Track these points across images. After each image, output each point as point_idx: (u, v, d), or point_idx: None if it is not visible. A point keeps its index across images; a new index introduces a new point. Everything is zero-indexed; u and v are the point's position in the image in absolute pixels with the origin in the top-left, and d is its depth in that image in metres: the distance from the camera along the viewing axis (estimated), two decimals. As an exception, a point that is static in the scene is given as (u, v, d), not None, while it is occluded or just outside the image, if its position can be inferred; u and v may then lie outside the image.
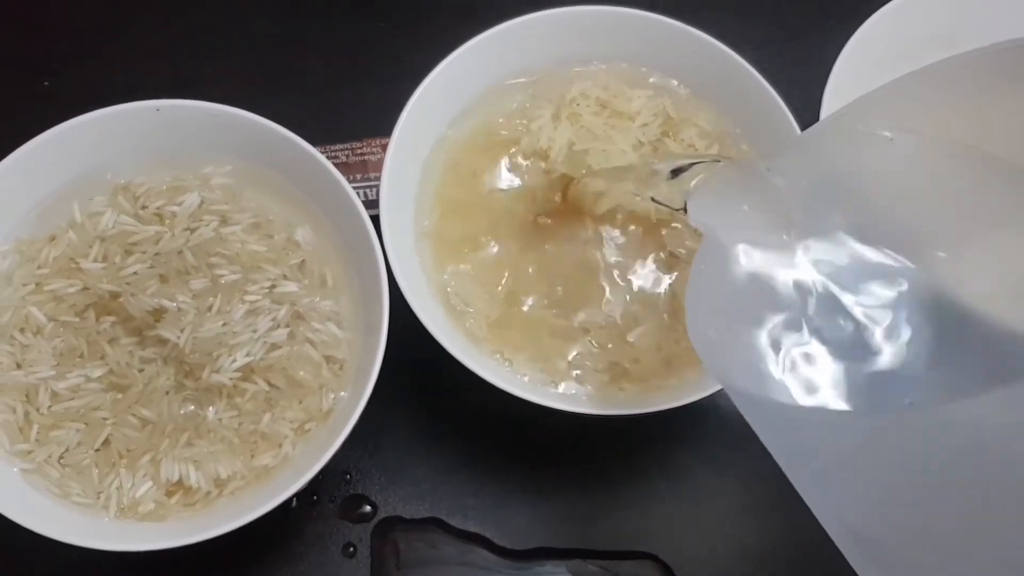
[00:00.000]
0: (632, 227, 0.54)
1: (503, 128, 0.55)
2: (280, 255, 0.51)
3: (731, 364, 0.41)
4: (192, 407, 0.49)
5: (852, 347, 0.41)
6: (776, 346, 0.41)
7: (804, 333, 0.41)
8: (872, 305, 0.41)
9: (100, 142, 0.52)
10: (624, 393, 0.52)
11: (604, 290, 0.53)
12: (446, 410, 0.57)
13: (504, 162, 0.55)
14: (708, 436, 0.58)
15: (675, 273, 0.53)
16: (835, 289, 0.42)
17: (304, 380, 0.49)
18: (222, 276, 0.50)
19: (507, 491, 0.56)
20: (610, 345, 0.52)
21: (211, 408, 0.49)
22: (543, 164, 0.54)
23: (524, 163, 0.54)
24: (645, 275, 0.53)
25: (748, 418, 0.40)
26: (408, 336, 0.48)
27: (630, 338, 0.52)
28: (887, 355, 0.40)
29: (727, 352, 0.41)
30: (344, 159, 0.60)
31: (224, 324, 0.49)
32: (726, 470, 0.57)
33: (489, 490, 0.56)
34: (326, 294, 0.51)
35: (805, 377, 0.40)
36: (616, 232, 0.54)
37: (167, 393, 0.49)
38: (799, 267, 0.42)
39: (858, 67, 0.55)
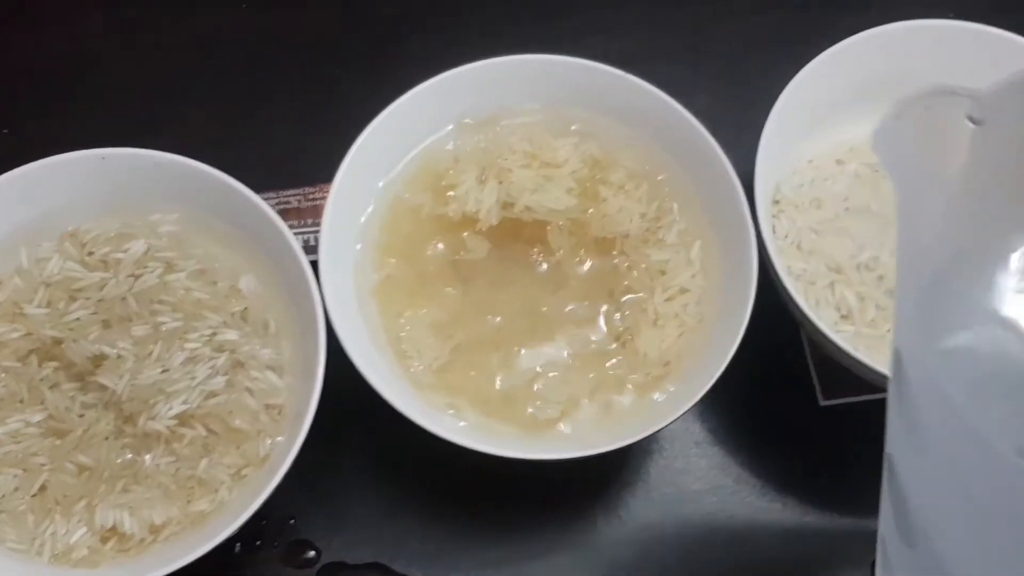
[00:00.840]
0: (580, 266, 0.54)
1: (444, 176, 0.56)
2: (223, 302, 0.52)
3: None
4: (130, 454, 0.49)
5: None
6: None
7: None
8: None
9: (49, 189, 0.53)
10: (564, 437, 0.52)
11: (551, 333, 0.53)
12: (391, 454, 0.57)
13: (448, 208, 0.55)
14: (652, 478, 0.58)
15: (620, 313, 0.53)
16: None
17: (241, 428, 0.49)
18: (164, 323, 0.51)
19: (451, 535, 0.56)
20: (553, 388, 0.52)
21: (149, 454, 0.49)
22: (476, 224, 0.55)
23: (461, 217, 0.55)
24: (590, 316, 0.54)
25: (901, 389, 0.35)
26: (355, 380, 0.48)
27: (573, 382, 0.52)
28: None
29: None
30: (297, 204, 0.61)
31: (163, 371, 0.50)
32: (669, 511, 0.57)
33: (433, 534, 0.56)
34: (267, 341, 0.52)
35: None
36: (565, 272, 0.54)
37: (106, 439, 0.49)
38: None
39: (794, 113, 0.56)
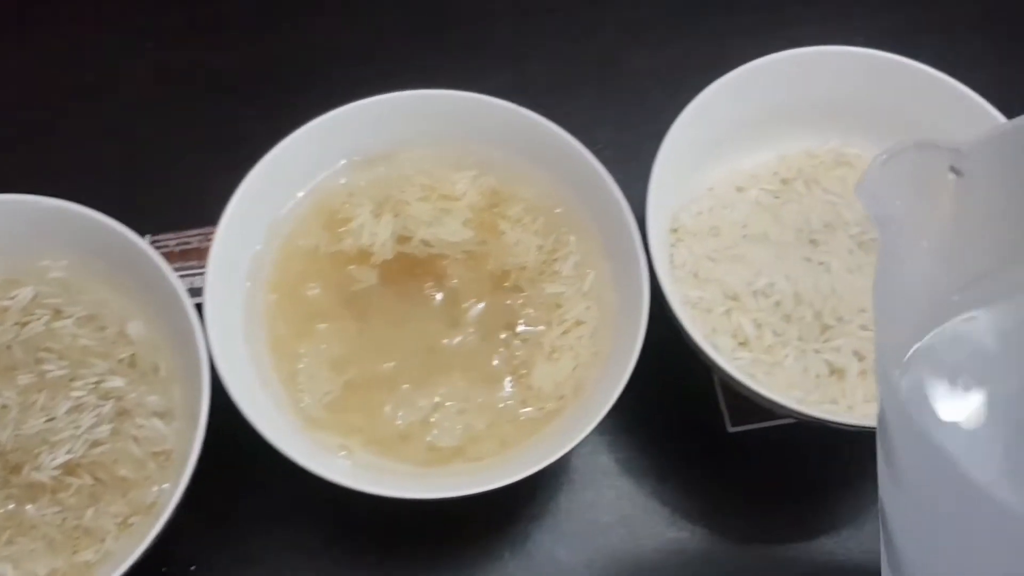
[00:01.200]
0: (476, 301, 0.54)
1: (339, 211, 0.56)
2: (110, 348, 0.51)
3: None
4: (13, 504, 0.49)
5: None
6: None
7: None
8: None
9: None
10: (461, 474, 0.51)
11: (447, 369, 0.53)
12: (291, 497, 0.56)
13: (343, 243, 0.55)
14: (560, 511, 0.58)
15: (516, 347, 0.53)
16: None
17: (126, 476, 0.49)
18: (49, 371, 0.51)
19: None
20: (450, 424, 0.52)
21: (34, 505, 0.49)
22: (371, 258, 0.54)
23: (356, 252, 0.55)
24: (486, 351, 0.53)
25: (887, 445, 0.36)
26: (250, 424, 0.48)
27: (470, 417, 0.52)
28: None
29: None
30: (198, 245, 0.61)
31: (47, 420, 0.49)
32: (578, 544, 0.57)
33: (337, 576, 0.56)
34: (155, 388, 0.51)
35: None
36: (462, 310, 0.54)
37: (-10, 491, 0.48)
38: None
39: (688, 143, 0.56)
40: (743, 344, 0.55)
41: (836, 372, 0.54)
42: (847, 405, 0.54)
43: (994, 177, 0.37)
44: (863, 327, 0.55)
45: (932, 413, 0.35)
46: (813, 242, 0.57)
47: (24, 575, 0.47)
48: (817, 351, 0.54)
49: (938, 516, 0.34)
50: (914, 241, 0.36)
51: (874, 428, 0.47)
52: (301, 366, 0.53)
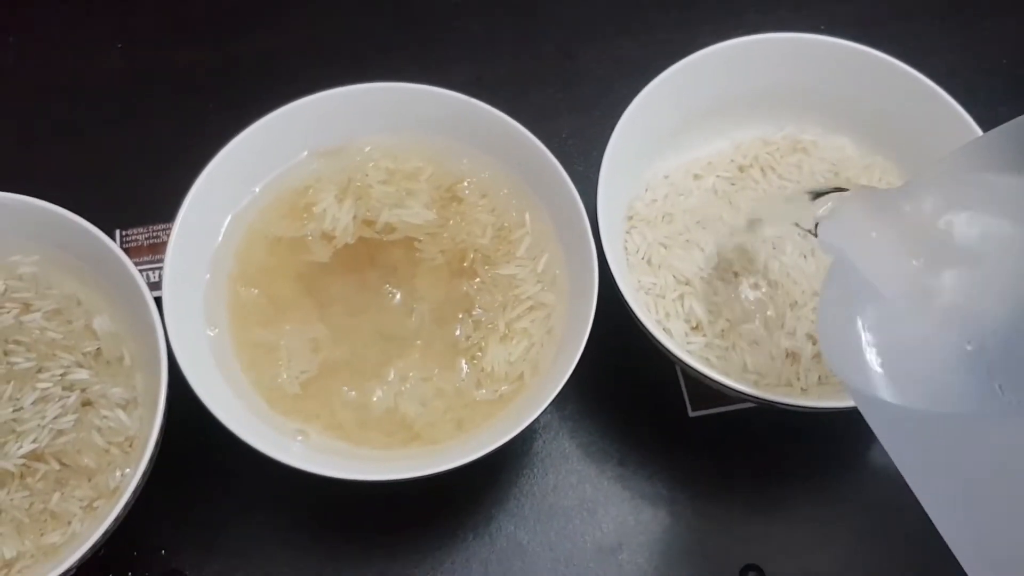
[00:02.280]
0: (434, 285, 0.55)
1: (302, 196, 0.57)
2: (77, 342, 0.53)
3: (848, 367, 0.44)
4: (-15, 487, 0.50)
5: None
6: (882, 346, 0.44)
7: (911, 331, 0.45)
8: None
9: None
10: (418, 456, 0.52)
11: (405, 353, 0.54)
12: (258, 481, 0.58)
13: (306, 228, 0.56)
14: (523, 495, 0.59)
15: (471, 329, 0.54)
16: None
17: (88, 465, 0.50)
18: (17, 363, 0.52)
19: (322, 558, 0.57)
20: (403, 408, 0.53)
21: (3, 490, 0.50)
22: (332, 242, 0.56)
23: (319, 237, 0.56)
24: (443, 337, 0.54)
25: (871, 424, 0.43)
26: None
27: (427, 400, 0.53)
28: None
29: (846, 358, 0.45)
30: (165, 238, 0.62)
31: (15, 411, 0.51)
32: (540, 528, 0.58)
33: (304, 563, 0.57)
34: (119, 380, 0.53)
35: (909, 375, 0.44)
36: (420, 295, 0.55)
37: (-40, 477, 0.50)
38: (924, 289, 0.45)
39: (640, 132, 0.57)
40: (696, 329, 0.56)
41: (791, 355, 0.55)
42: (801, 387, 0.55)
43: (924, 200, 0.45)
44: (816, 310, 0.55)
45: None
46: (766, 227, 0.58)
47: (-7, 557, 0.49)
48: (771, 335, 0.55)
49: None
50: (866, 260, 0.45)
51: (828, 409, 0.50)
52: (261, 354, 0.54)
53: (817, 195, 0.50)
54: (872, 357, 0.44)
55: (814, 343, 0.55)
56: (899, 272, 0.45)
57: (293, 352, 0.54)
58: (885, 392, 0.43)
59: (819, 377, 0.55)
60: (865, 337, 0.44)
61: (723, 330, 0.55)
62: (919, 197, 0.46)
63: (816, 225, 0.49)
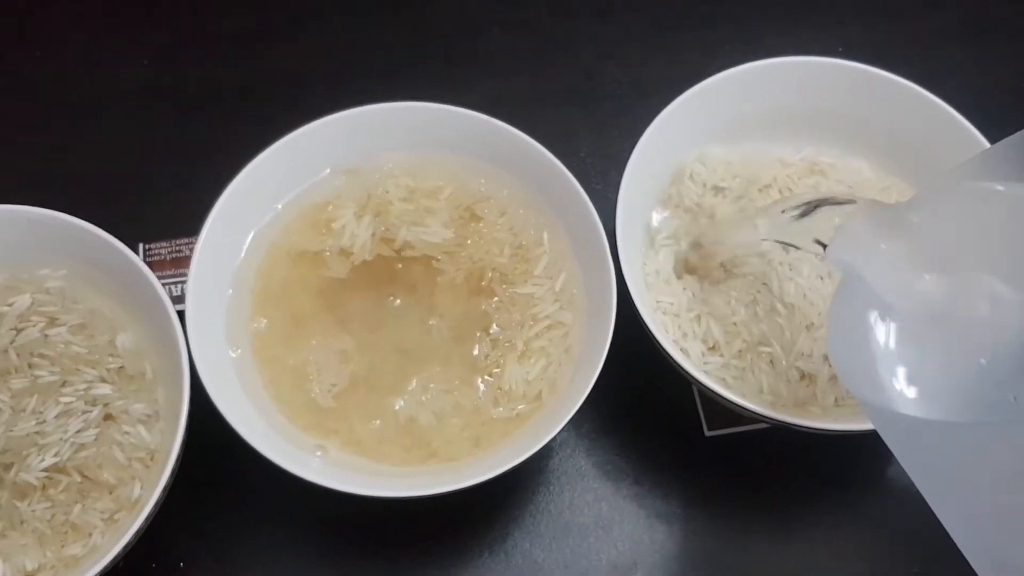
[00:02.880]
0: (453, 303, 0.56)
1: (322, 212, 0.58)
2: (100, 356, 0.54)
3: (861, 382, 0.45)
4: (5, 500, 0.51)
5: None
6: (896, 360, 0.45)
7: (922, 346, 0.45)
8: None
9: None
10: (436, 473, 0.53)
11: (424, 371, 0.55)
12: (277, 496, 0.58)
13: (325, 245, 0.57)
14: (539, 513, 0.59)
15: (490, 348, 0.55)
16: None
17: (108, 480, 0.51)
18: (41, 376, 0.53)
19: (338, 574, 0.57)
20: (421, 425, 0.53)
21: (26, 501, 0.51)
22: (351, 258, 0.56)
23: (338, 253, 0.57)
24: (462, 354, 0.55)
25: (885, 438, 0.44)
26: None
27: (445, 418, 0.54)
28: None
29: (858, 373, 0.45)
30: (188, 252, 0.63)
31: (37, 423, 0.51)
32: (555, 546, 0.58)
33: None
34: (141, 395, 0.53)
35: (924, 388, 0.44)
36: (438, 312, 0.56)
37: (-17, 487, 0.51)
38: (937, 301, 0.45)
39: (661, 150, 0.57)
40: (712, 349, 0.56)
41: (807, 377, 0.55)
42: (818, 409, 0.55)
43: (932, 213, 0.46)
44: None
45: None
46: (784, 248, 0.58)
47: (14, 568, 0.49)
48: (788, 356, 0.55)
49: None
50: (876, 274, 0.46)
51: (844, 431, 0.50)
52: (282, 369, 0.54)
53: (803, 214, 0.51)
54: (885, 371, 0.44)
55: (831, 364, 0.55)
56: (910, 286, 0.45)
57: (312, 367, 0.55)
58: (899, 405, 0.43)
59: (835, 399, 0.55)
60: (877, 351, 0.44)
61: (740, 351, 0.56)
62: (927, 209, 0.46)
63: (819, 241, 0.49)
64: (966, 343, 0.44)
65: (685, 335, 0.56)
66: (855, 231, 0.47)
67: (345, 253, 0.57)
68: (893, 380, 0.44)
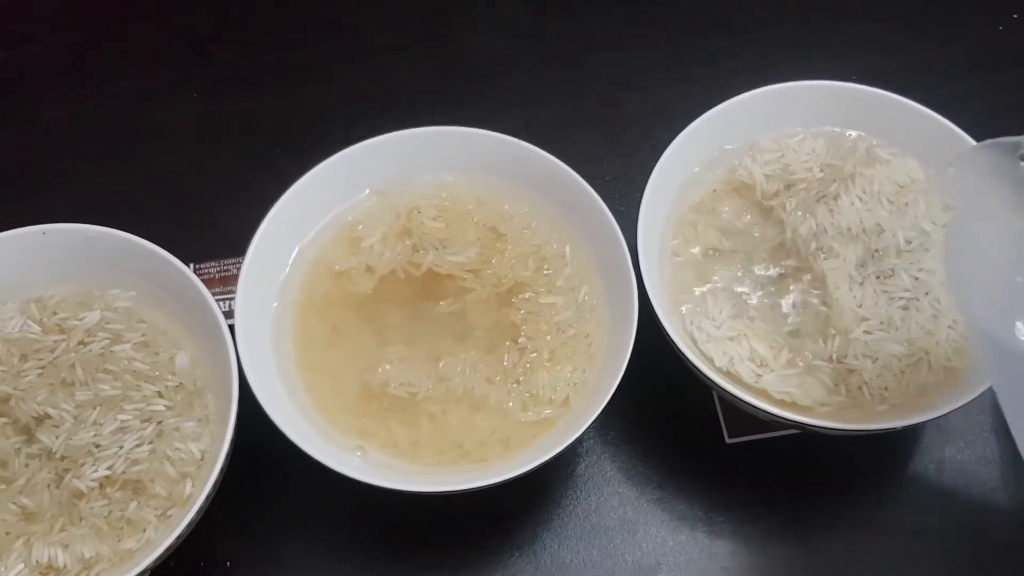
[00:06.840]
0: (482, 315, 0.59)
1: (355, 230, 0.62)
2: (161, 373, 0.58)
3: (980, 308, 0.46)
4: (66, 497, 0.54)
5: None
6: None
7: None
8: None
9: (16, 259, 0.59)
10: (467, 472, 0.56)
11: (456, 378, 0.58)
12: (318, 498, 0.62)
13: (362, 262, 0.61)
14: (566, 515, 0.62)
15: (518, 356, 0.58)
16: None
17: (159, 493, 0.54)
18: (104, 391, 0.56)
19: (375, 572, 0.60)
20: (454, 428, 0.57)
21: (85, 498, 0.54)
22: (384, 274, 0.61)
23: (371, 270, 0.61)
24: (492, 363, 0.58)
25: (992, 373, 0.46)
26: (279, 431, 0.53)
27: (475, 422, 0.57)
28: None
29: (978, 299, 0.46)
30: (235, 271, 0.66)
31: (96, 435, 0.55)
32: (581, 547, 0.61)
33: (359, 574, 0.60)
34: (195, 411, 0.57)
35: None
36: (469, 323, 0.59)
37: (48, 486, 0.54)
38: None
39: (679, 170, 0.61)
40: (763, 365, 0.58)
41: (844, 382, 0.57)
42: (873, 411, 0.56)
43: None
44: (867, 332, 0.57)
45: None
46: (815, 257, 0.60)
47: (73, 557, 0.53)
48: (822, 363, 0.57)
49: None
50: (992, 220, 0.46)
51: (876, 431, 0.53)
52: (323, 377, 0.58)
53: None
54: (1008, 297, 0.45)
55: (874, 361, 0.57)
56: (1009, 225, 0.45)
57: (352, 375, 0.58)
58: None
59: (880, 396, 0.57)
60: (1003, 278, 0.45)
61: (763, 360, 0.58)
62: None
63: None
64: None
65: (732, 360, 0.58)
66: (973, 161, 0.47)
67: (373, 270, 0.60)
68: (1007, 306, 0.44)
